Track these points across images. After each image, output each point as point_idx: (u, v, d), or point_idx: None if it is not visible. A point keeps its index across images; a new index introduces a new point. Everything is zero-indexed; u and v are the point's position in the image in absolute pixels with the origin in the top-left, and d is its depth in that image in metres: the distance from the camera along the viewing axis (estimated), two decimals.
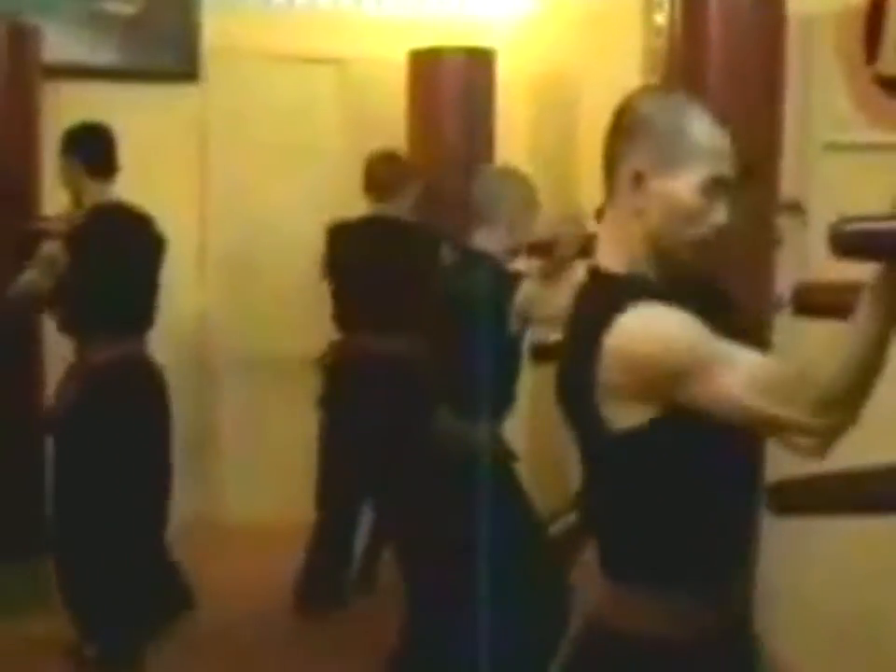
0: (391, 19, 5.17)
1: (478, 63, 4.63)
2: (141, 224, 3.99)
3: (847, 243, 1.40)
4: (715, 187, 1.67)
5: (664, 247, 1.69)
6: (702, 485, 1.66)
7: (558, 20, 5.10)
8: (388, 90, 4.82)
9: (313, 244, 5.14)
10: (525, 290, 3.22)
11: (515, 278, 3.27)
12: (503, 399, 3.36)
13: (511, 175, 3.51)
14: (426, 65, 4.60)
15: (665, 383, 1.57)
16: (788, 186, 3.42)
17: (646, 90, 1.78)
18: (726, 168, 1.69)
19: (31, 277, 3.88)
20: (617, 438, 1.63)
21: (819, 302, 2.32)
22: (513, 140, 4.83)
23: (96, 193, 3.92)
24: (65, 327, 3.96)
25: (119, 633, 3.89)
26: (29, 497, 4.50)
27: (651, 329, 1.58)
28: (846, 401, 1.48)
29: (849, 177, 3.32)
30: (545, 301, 3.17)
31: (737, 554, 1.78)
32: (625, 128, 1.70)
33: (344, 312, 4.30)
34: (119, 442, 3.85)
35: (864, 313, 1.44)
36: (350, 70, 5.20)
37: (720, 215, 1.68)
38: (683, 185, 1.66)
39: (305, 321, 4.94)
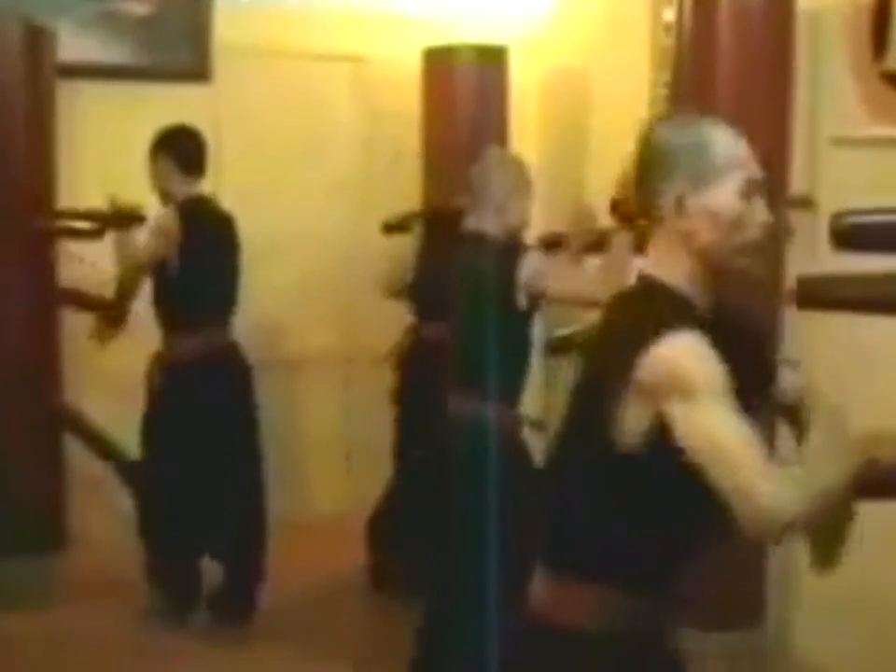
0: (405, 16, 5.19)
1: (491, 60, 4.68)
2: (226, 218, 4.16)
3: (847, 235, 1.45)
4: (750, 188, 1.74)
5: (717, 260, 1.74)
6: (677, 507, 1.72)
7: (569, 17, 5.14)
8: (402, 87, 4.86)
9: (325, 241, 5.18)
10: (531, 264, 3.24)
11: (517, 252, 3.28)
12: (516, 378, 3.33)
13: (503, 158, 3.54)
14: (440, 63, 4.65)
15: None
16: (797, 180, 3.46)
17: (660, 122, 1.83)
18: (755, 169, 1.76)
19: (151, 245, 3.97)
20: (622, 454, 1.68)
21: (821, 295, 2.37)
22: (525, 136, 4.87)
23: (185, 192, 4.04)
24: (160, 314, 4.05)
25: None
26: (45, 495, 4.55)
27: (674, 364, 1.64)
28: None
29: (857, 172, 3.36)
30: (556, 276, 3.22)
31: (683, 566, 1.83)
32: (655, 167, 1.76)
33: (425, 300, 4.29)
34: (207, 433, 3.99)
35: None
36: (364, 68, 5.23)
37: (762, 213, 1.75)
38: (723, 194, 1.73)
39: (318, 318, 4.99)
